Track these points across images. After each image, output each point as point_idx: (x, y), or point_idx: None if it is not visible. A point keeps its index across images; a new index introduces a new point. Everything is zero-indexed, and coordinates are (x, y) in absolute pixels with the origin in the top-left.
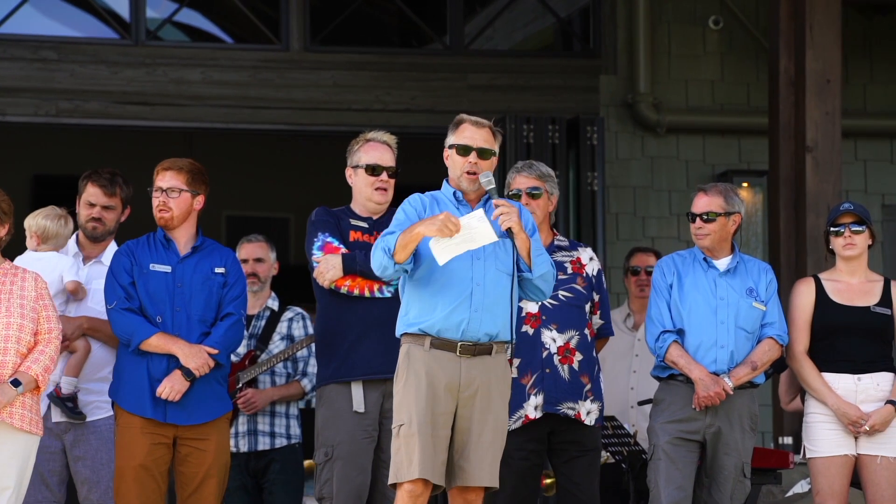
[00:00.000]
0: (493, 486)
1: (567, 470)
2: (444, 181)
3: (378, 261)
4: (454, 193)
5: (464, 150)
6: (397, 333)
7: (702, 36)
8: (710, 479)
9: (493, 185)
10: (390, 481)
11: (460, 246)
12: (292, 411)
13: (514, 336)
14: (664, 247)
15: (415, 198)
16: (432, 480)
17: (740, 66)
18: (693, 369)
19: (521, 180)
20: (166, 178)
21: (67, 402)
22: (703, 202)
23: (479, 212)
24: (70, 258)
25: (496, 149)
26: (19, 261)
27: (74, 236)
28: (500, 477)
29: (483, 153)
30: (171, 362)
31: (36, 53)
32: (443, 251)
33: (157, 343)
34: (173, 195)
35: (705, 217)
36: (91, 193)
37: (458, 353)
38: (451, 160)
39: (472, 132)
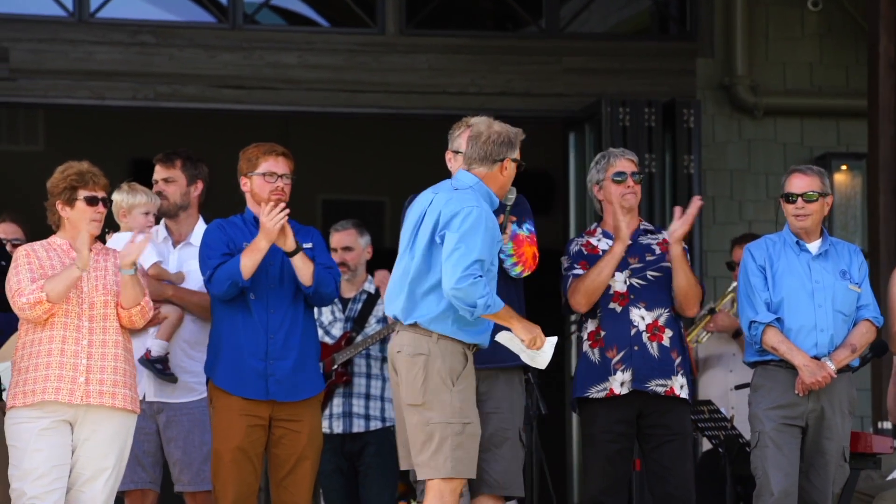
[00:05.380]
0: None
1: (657, 455)
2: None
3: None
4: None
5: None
6: (436, 329)
7: (800, 18)
8: (808, 463)
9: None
10: (450, 475)
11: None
12: (387, 394)
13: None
14: (761, 230)
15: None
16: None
17: (839, 48)
18: (795, 355)
19: (625, 163)
20: (280, 164)
21: (157, 364)
22: (803, 182)
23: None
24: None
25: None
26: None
27: (163, 222)
28: (587, 459)
29: None
30: (270, 342)
31: (134, 38)
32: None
33: (247, 258)
34: (287, 181)
35: (806, 197)
36: (155, 171)
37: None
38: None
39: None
